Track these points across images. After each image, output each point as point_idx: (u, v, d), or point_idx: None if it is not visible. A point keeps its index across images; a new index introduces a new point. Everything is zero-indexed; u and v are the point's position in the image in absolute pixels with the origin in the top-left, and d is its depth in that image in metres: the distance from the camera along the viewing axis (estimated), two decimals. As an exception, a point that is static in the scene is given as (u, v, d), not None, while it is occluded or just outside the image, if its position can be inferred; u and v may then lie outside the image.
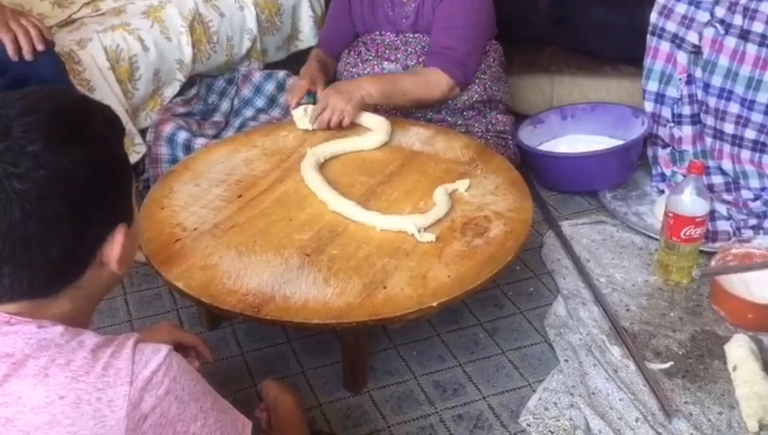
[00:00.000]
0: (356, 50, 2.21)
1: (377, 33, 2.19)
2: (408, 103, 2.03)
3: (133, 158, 2.13)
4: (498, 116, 2.18)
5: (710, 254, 1.85)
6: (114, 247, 0.86)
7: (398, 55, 2.15)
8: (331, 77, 2.22)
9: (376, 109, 2.02)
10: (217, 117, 2.37)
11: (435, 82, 2.01)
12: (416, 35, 2.14)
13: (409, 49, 2.14)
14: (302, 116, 1.95)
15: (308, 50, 2.42)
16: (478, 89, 2.13)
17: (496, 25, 2.19)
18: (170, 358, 0.81)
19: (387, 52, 2.16)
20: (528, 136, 2.30)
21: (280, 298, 1.40)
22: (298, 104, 2.01)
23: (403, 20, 2.14)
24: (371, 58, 2.17)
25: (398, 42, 2.16)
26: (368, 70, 2.14)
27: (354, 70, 2.16)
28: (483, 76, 2.14)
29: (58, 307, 0.85)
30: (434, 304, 1.39)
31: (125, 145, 2.01)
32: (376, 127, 1.91)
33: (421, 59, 2.11)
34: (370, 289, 1.42)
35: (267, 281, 1.44)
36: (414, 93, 2.00)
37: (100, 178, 0.83)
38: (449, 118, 2.14)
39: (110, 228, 0.86)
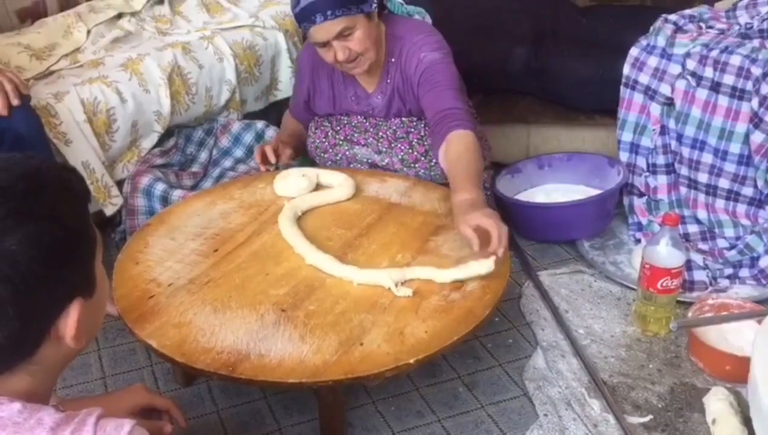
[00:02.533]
0: (323, 131, 2.11)
1: (343, 115, 2.11)
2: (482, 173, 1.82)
3: (109, 210, 2.12)
4: None
5: (688, 304, 1.85)
6: (68, 324, 0.83)
7: (369, 140, 2.06)
8: (302, 147, 2.19)
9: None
10: (196, 167, 2.37)
11: (471, 144, 1.78)
12: (387, 120, 2.06)
13: (380, 133, 2.06)
14: (283, 180, 1.92)
15: (287, 100, 2.43)
16: None
17: (466, 79, 2.13)
18: (133, 435, 0.78)
19: (356, 135, 2.07)
20: (506, 185, 2.31)
21: (255, 356, 1.38)
22: (276, 167, 2.01)
23: (370, 111, 2.07)
24: (340, 142, 2.08)
25: (367, 124, 2.08)
26: (340, 155, 2.07)
27: (325, 155, 2.09)
28: None
29: (16, 382, 0.82)
30: (411, 360, 1.38)
31: (101, 197, 1.95)
32: (338, 184, 1.91)
33: (392, 145, 2.03)
34: (347, 345, 1.41)
35: (242, 338, 1.42)
36: (478, 163, 1.76)
37: (47, 257, 0.80)
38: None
39: (63, 304, 0.83)
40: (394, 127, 2.05)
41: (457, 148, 1.77)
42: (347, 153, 2.07)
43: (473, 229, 1.56)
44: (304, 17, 1.83)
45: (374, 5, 1.89)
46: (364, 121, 2.09)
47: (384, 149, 2.05)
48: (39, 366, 0.84)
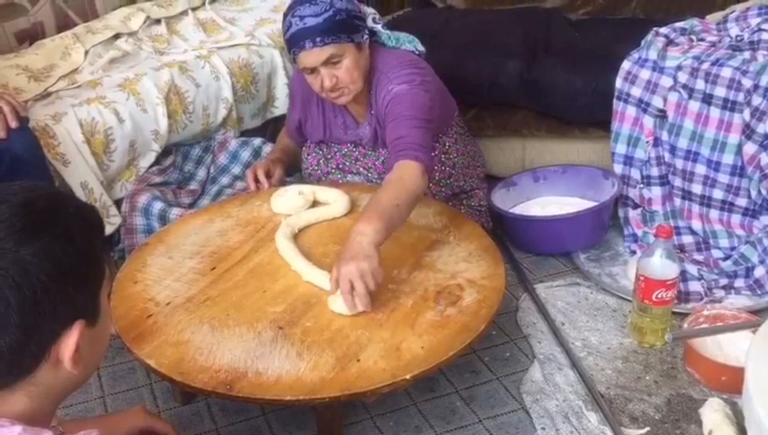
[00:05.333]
0: (315, 158, 2.14)
1: (334, 144, 2.12)
2: (407, 211, 1.69)
3: (108, 229, 2.13)
4: (470, 192, 2.20)
5: (683, 315, 1.86)
6: (68, 344, 0.85)
7: (359, 169, 2.09)
8: (296, 163, 2.22)
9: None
10: (193, 185, 2.38)
11: (407, 175, 1.71)
12: (376, 151, 2.07)
13: (369, 164, 2.07)
14: (280, 197, 1.93)
15: (284, 117, 2.45)
16: (446, 192, 2.08)
17: (455, 103, 2.17)
18: (129, 456, 0.80)
19: (347, 164, 2.10)
20: (501, 198, 2.33)
21: (252, 374, 1.39)
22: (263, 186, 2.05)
23: (359, 141, 2.08)
24: (333, 170, 2.10)
25: (357, 153, 2.09)
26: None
27: (319, 183, 2.09)
28: (448, 180, 2.09)
29: (15, 403, 0.84)
30: (408, 376, 1.39)
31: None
32: (334, 200, 1.92)
33: (382, 175, 1.99)
34: (344, 362, 1.42)
35: (239, 356, 1.44)
36: (403, 197, 1.66)
37: (58, 272, 0.83)
38: None
39: (66, 323, 0.85)
40: (383, 158, 2.05)
41: (390, 176, 1.71)
42: (340, 181, 2.08)
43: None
44: (293, 43, 1.85)
45: (365, 36, 1.91)
46: (354, 149, 2.10)
47: (374, 179, 2.06)
48: (37, 388, 0.86)
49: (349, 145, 2.10)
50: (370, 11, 1.99)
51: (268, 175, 2.07)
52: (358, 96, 1.96)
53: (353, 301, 1.51)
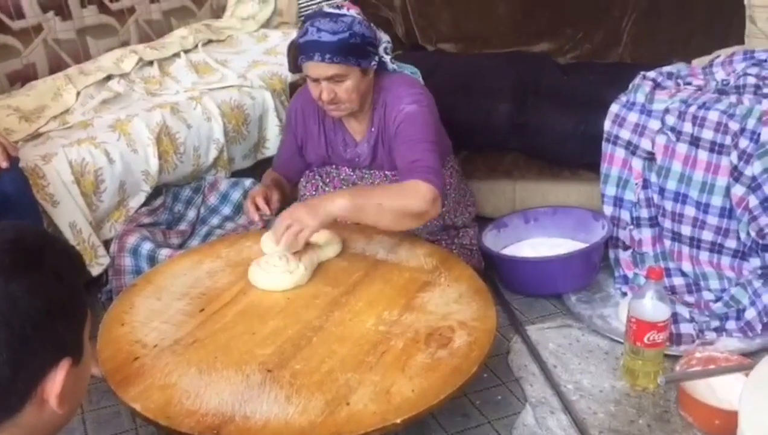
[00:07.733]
0: (313, 184, 2.16)
1: (333, 166, 2.16)
2: (390, 217, 1.78)
3: (96, 270, 2.12)
4: (461, 230, 2.20)
5: (675, 358, 1.85)
6: (55, 382, 0.84)
7: None
8: (288, 194, 2.23)
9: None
10: (183, 226, 2.38)
11: (413, 189, 1.78)
12: (372, 171, 2.11)
13: (366, 185, 2.11)
14: (270, 238, 1.90)
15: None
16: (437, 222, 2.10)
17: (449, 140, 2.20)
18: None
19: (343, 187, 2.12)
20: (492, 240, 2.33)
21: (240, 419, 1.36)
22: (263, 221, 2.06)
23: (357, 159, 2.11)
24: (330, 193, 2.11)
25: (354, 177, 2.12)
26: None
27: None
28: (441, 209, 2.06)
29: None
30: (398, 420, 1.36)
31: (88, 257, 2.00)
32: (325, 241, 1.90)
33: None
34: (333, 405, 1.39)
35: (227, 400, 1.41)
36: (391, 202, 1.76)
37: (47, 308, 0.83)
38: None
39: (54, 360, 0.84)
40: (378, 181, 2.08)
41: (398, 183, 1.84)
42: None
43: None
44: (304, 50, 1.90)
45: (374, 63, 1.96)
46: (352, 173, 2.13)
47: None
48: (20, 430, 0.84)
49: (347, 169, 2.13)
50: (385, 39, 2.04)
51: (266, 201, 2.06)
52: (358, 114, 2.02)
53: (280, 236, 1.73)
